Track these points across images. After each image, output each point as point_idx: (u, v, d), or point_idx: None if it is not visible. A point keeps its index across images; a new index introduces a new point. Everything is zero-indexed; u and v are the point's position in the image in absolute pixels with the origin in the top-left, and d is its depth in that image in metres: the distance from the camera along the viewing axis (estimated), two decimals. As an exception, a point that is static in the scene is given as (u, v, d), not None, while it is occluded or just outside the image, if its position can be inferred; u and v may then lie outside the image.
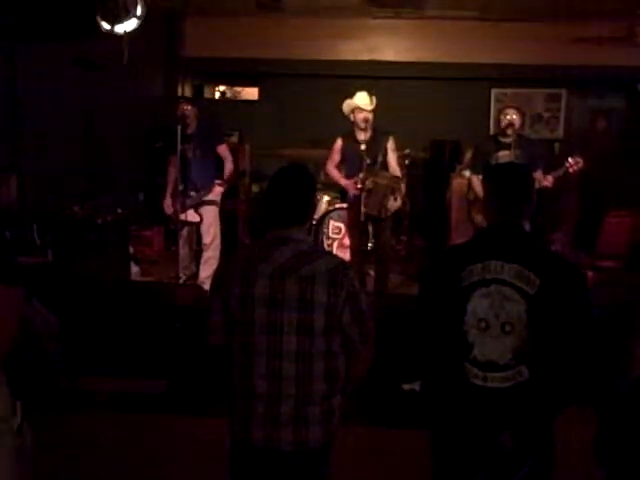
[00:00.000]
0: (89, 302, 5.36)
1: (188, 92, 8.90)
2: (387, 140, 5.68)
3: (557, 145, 8.56)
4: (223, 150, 6.17)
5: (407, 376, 4.52)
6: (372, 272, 6.00)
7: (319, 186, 6.21)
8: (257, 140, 8.24)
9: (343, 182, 5.79)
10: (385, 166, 5.69)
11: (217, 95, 9.18)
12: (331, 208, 6.84)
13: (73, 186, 6.20)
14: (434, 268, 2.57)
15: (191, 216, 6.10)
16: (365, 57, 8.40)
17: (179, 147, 5.79)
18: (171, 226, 6.51)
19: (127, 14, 5.14)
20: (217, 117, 7.74)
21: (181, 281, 6.20)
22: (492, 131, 8.03)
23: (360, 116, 5.60)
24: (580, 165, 5.22)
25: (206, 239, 6.15)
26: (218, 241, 6.19)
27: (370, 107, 5.61)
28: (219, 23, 8.23)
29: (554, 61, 7.97)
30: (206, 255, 6.15)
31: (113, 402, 4.70)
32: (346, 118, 5.73)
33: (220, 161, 6.18)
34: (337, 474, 2.56)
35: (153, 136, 7.51)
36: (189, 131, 5.99)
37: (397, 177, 5.72)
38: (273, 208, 2.42)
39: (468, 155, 6.62)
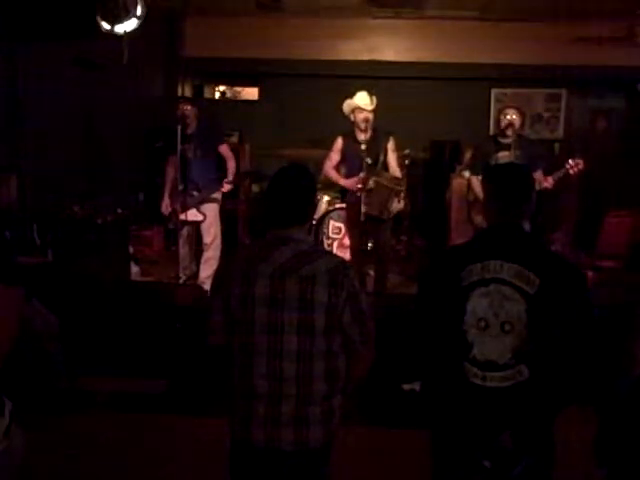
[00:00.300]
0: (89, 302, 5.36)
1: (188, 92, 8.91)
2: (387, 140, 5.68)
3: (557, 145, 8.56)
4: (225, 150, 6.18)
5: (407, 376, 4.52)
6: (372, 272, 6.00)
7: (319, 186, 6.20)
8: (257, 140, 8.24)
9: (342, 182, 5.79)
10: (385, 166, 5.69)
11: (217, 95, 9.18)
12: (331, 208, 6.84)
13: (73, 186, 6.21)
14: (433, 268, 2.57)
15: (193, 215, 6.09)
16: (365, 57, 8.40)
17: (179, 147, 5.79)
18: (170, 226, 6.51)
19: (127, 14, 5.14)
20: (217, 117, 7.74)
21: (181, 281, 6.20)
22: (492, 131, 8.04)
23: (360, 116, 5.60)
24: (580, 167, 5.22)
25: (207, 239, 6.15)
26: (219, 241, 6.20)
27: (370, 107, 5.61)
28: (219, 23, 8.24)
29: (554, 61, 7.96)
30: (206, 255, 6.15)
31: (113, 402, 4.70)
32: (346, 118, 5.73)
33: (220, 161, 6.18)
34: (337, 474, 2.56)
35: (153, 136, 7.51)
36: (189, 131, 6.00)
37: (398, 178, 5.72)
38: (273, 208, 2.42)
39: (468, 155, 6.62)
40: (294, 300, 2.29)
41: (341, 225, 6.70)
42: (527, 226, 2.42)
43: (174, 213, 6.10)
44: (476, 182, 5.54)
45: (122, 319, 5.34)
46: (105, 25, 5.17)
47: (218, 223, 6.23)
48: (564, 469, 2.49)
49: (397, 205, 5.67)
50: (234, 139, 8.07)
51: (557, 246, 6.60)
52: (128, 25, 5.19)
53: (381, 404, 4.52)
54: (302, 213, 2.43)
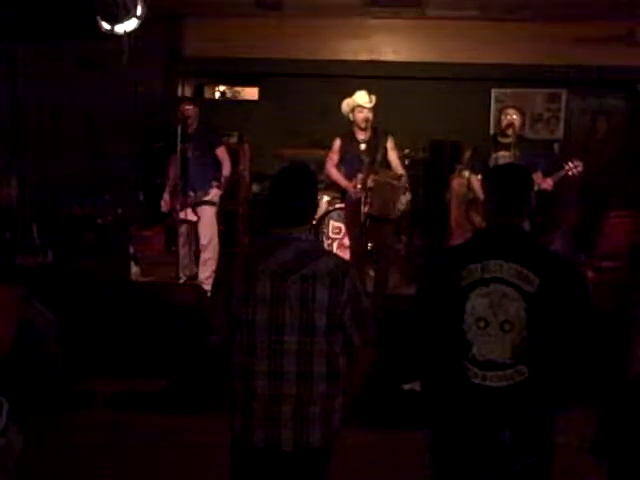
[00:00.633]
0: (89, 302, 5.36)
1: (188, 92, 8.90)
2: (386, 139, 5.68)
3: (557, 145, 8.55)
4: (221, 152, 6.18)
5: (407, 376, 4.53)
6: (372, 272, 6.00)
7: (319, 186, 6.21)
8: (257, 140, 8.23)
9: (343, 183, 5.78)
10: (386, 165, 5.69)
11: (217, 95, 9.17)
12: (331, 208, 6.84)
13: (73, 186, 6.21)
14: (433, 268, 2.57)
15: (190, 215, 6.11)
16: (365, 57, 8.39)
17: (179, 147, 5.79)
18: (169, 221, 6.51)
19: (127, 14, 5.14)
20: (215, 118, 7.74)
21: (181, 281, 6.20)
22: (492, 131, 8.03)
23: (360, 116, 5.59)
24: (579, 169, 5.20)
25: (203, 240, 6.16)
26: (215, 242, 6.19)
27: (370, 105, 5.60)
28: (219, 23, 8.22)
29: (554, 61, 7.95)
30: (204, 256, 6.16)
31: (113, 402, 4.70)
32: (346, 118, 5.73)
33: (218, 163, 6.19)
34: (337, 474, 2.56)
35: (153, 136, 7.50)
36: (189, 131, 6.00)
37: (401, 175, 5.69)
38: (275, 208, 2.43)
39: (467, 155, 6.61)
40: (295, 300, 2.29)
41: (341, 225, 6.70)
42: (527, 226, 2.42)
43: (174, 211, 6.11)
44: (475, 181, 5.53)
45: (122, 319, 5.34)
46: (105, 25, 5.17)
47: (214, 224, 6.23)
48: (564, 469, 2.49)
49: (402, 205, 5.63)
50: (234, 139, 8.06)
51: (557, 246, 6.59)
52: (128, 25, 5.19)
53: (381, 404, 4.52)
54: (303, 213, 2.43)
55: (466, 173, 6.16)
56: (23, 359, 4.19)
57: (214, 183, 6.09)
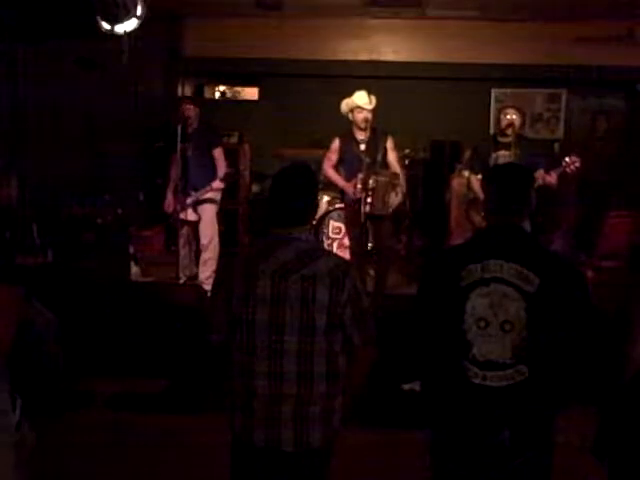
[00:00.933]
0: (89, 302, 5.36)
1: (188, 92, 8.89)
2: (386, 140, 5.68)
3: (557, 145, 8.55)
4: (218, 154, 6.17)
5: (407, 376, 4.52)
6: (372, 272, 6.00)
7: (320, 186, 6.20)
8: (257, 140, 8.23)
9: (341, 183, 5.78)
10: (385, 165, 5.69)
11: (217, 95, 9.17)
12: (331, 208, 6.84)
13: (73, 186, 6.21)
14: (433, 268, 2.57)
15: (190, 215, 6.12)
16: (365, 57, 8.39)
17: (179, 146, 5.79)
18: (171, 221, 6.52)
19: (127, 14, 5.14)
20: (215, 118, 7.74)
21: (181, 281, 6.20)
22: (492, 131, 8.03)
23: (360, 116, 5.59)
24: (577, 164, 5.21)
25: (203, 240, 6.15)
26: (216, 241, 6.19)
27: (370, 106, 5.60)
28: (219, 23, 8.23)
29: (554, 61, 7.96)
30: (204, 256, 6.15)
31: (113, 402, 4.70)
32: (346, 118, 5.72)
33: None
34: (337, 474, 2.56)
35: (153, 136, 7.51)
36: (189, 131, 6.01)
37: (396, 173, 5.72)
38: (275, 207, 2.42)
39: (467, 155, 6.62)
40: (295, 300, 2.29)
41: (341, 225, 6.70)
42: (527, 226, 2.42)
43: (175, 212, 6.11)
44: (475, 181, 5.54)
45: (122, 319, 5.34)
46: (105, 25, 5.17)
47: (215, 224, 6.23)
48: (564, 469, 2.49)
49: (395, 199, 5.66)
50: (234, 139, 8.07)
51: (557, 246, 6.59)
52: (128, 25, 5.19)
53: (381, 404, 4.52)
54: (304, 213, 2.43)
55: (466, 173, 6.16)
56: (23, 359, 4.19)
57: (212, 184, 6.08)
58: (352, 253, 5.94)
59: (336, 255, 2.96)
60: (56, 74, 5.93)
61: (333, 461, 2.46)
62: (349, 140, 5.68)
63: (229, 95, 9.16)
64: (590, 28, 7.75)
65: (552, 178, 5.25)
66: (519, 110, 5.60)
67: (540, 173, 5.16)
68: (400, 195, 5.73)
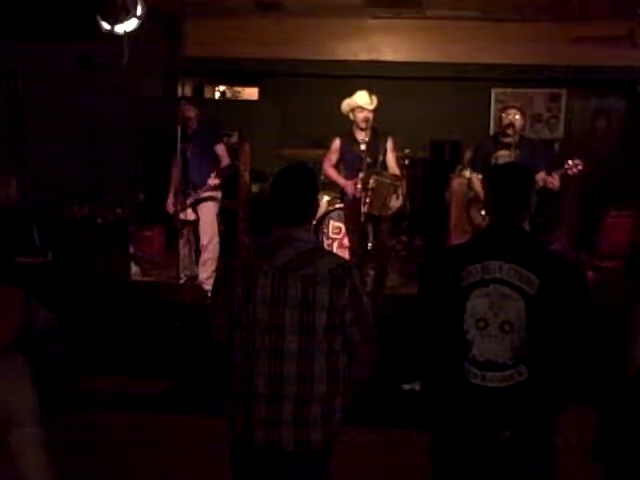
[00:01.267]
0: (89, 302, 5.36)
1: (188, 92, 8.89)
2: (386, 140, 5.68)
3: (557, 145, 8.55)
4: (221, 149, 6.19)
5: (407, 376, 4.53)
6: (372, 272, 6.00)
7: (319, 186, 6.20)
8: (257, 140, 8.23)
9: (341, 182, 5.79)
10: (384, 166, 5.69)
11: (217, 95, 9.17)
12: (331, 208, 6.84)
13: (73, 186, 6.21)
14: (433, 268, 2.57)
15: (190, 215, 6.11)
16: (365, 57, 8.38)
17: (179, 146, 5.80)
18: (172, 224, 6.52)
19: (127, 14, 5.14)
20: (216, 117, 7.74)
21: (181, 282, 6.20)
22: (492, 131, 8.03)
23: (360, 116, 5.59)
24: (579, 167, 5.20)
25: (203, 240, 6.15)
26: (216, 242, 6.19)
27: (371, 106, 5.60)
28: (219, 23, 8.22)
29: (554, 61, 7.95)
30: (204, 256, 6.15)
31: (113, 402, 4.70)
32: (346, 118, 5.73)
33: (218, 161, 6.19)
34: (337, 474, 2.56)
35: (153, 136, 7.50)
36: (189, 131, 6.01)
37: (397, 176, 5.73)
38: (276, 207, 2.42)
39: (468, 155, 6.62)
40: (295, 300, 2.29)
41: (341, 225, 6.70)
42: (527, 226, 2.42)
43: (177, 213, 6.11)
44: (477, 181, 5.53)
45: (122, 319, 5.34)
46: (105, 25, 5.17)
47: (215, 224, 6.23)
48: (564, 469, 2.49)
49: (396, 202, 5.67)
50: (234, 139, 8.07)
51: (557, 246, 6.59)
52: (128, 25, 5.19)
53: (381, 404, 4.52)
54: (304, 213, 2.43)
55: (467, 173, 6.17)
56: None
57: (212, 174, 6.08)
58: (352, 253, 5.94)
59: (337, 255, 2.96)
60: (56, 74, 5.93)
61: (333, 461, 2.46)
62: (349, 140, 5.68)
63: (229, 95, 9.17)
64: (590, 28, 7.74)
65: (555, 180, 5.24)
66: (521, 111, 5.60)
67: (542, 175, 5.16)
68: (401, 198, 5.74)
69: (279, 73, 8.58)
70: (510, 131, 5.48)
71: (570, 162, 5.23)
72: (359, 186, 5.52)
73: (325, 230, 6.84)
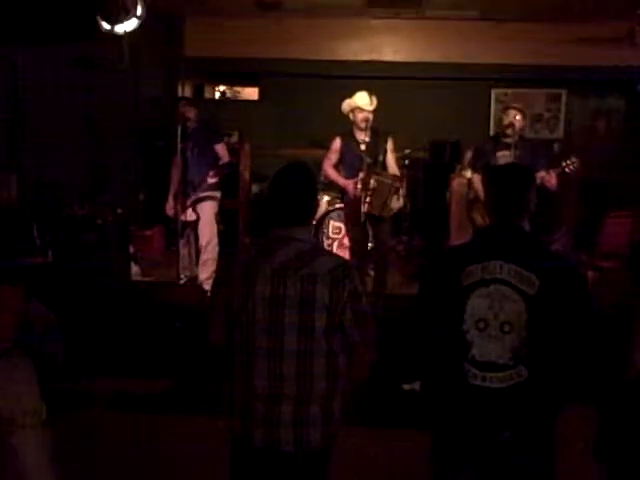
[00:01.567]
0: (89, 302, 5.36)
1: (188, 92, 8.90)
2: (387, 141, 5.69)
3: (557, 145, 8.55)
4: (221, 149, 6.19)
5: (407, 376, 4.52)
6: (372, 272, 6.00)
7: (319, 186, 6.21)
8: (257, 140, 8.23)
9: (341, 182, 5.78)
10: (384, 166, 5.70)
11: (217, 95, 9.18)
12: (331, 208, 6.84)
13: (73, 186, 6.21)
14: (434, 268, 2.57)
15: (190, 215, 6.12)
16: (365, 57, 8.40)
17: (179, 147, 5.80)
18: (172, 226, 6.52)
19: (127, 14, 5.15)
20: (216, 117, 7.74)
21: (181, 282, 6.20)
22: (492, 131, 8.04)
23: (360, 116, 5.59)
24: (576, 165, 5.21)
25: (202, 240, 6.14)
26: (215, 242, 6.18)
27: (370, 107, 5.61)
28: (219, 23, 8.23)
29: (554, 61, 7.96)
30: (204, 257, 6.14)
31: (113, 402, 4.70)
32: (346, 118, 5.73)
33: (217, 161, 6.19)
34: (337, 474, 2.56)
35: (153, 136, 7.50)
36: (189, 130, 6.02)
37: (397, 176, 5.73)
38: (275, 207, 2.42)
39: (468, 155, 6.62)
40: (295, 300, 2.29)
41: (341, 225, 6.70)
42: (527, 226, 2.42)
43: (177, 214, 6.11)
44: (478, 181, 5.53)
45: (122, 319, 5.34)
46: (105, 25, 5.18)
47: (214, 225, 6.22)
48: (564, 468, 2.49)
49: (397, 203, 5.68)
50: (234, 139, 8.07)
51: (557, 246, 6.59)
52: (128, 25, 5.20)
53: (381, 404, 4.52)
54: (304, 212, 2.43)
55: (468, 173, 6.17)
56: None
57: (211, 172, 6.08)
58: (352, 253, 5.94)
59: (336, 255, 2.96)
60: (56, 74, 5.93)
61: (333, 461, 2.46)
62: (350, 140, 5.68)
63: (229, 95, 9.18)
64: (590, 28, 7.75)
65: (551, 178, 5.25)
66: (522, 111, 5.60)
67: (540, 173, 5.16)
68: (401, 199, 5.74)
69: (279, 73, 8.60)
70: (510, 131, 5.48)
71: (567, 160, 5.24)
72: (359, 186, 5.52)
73: (325, 230, 6.84)
